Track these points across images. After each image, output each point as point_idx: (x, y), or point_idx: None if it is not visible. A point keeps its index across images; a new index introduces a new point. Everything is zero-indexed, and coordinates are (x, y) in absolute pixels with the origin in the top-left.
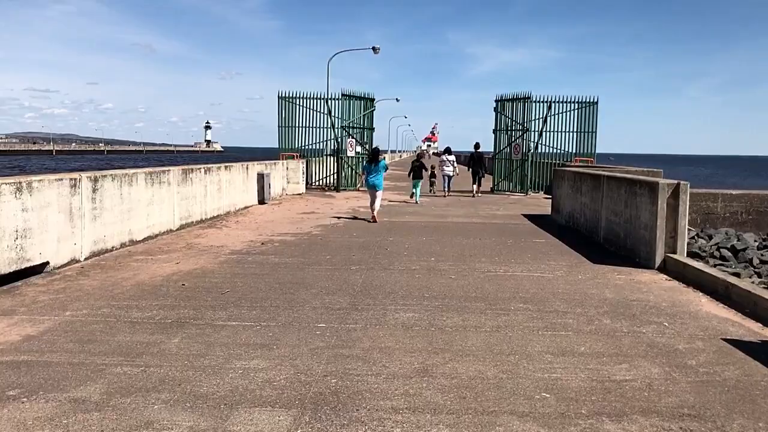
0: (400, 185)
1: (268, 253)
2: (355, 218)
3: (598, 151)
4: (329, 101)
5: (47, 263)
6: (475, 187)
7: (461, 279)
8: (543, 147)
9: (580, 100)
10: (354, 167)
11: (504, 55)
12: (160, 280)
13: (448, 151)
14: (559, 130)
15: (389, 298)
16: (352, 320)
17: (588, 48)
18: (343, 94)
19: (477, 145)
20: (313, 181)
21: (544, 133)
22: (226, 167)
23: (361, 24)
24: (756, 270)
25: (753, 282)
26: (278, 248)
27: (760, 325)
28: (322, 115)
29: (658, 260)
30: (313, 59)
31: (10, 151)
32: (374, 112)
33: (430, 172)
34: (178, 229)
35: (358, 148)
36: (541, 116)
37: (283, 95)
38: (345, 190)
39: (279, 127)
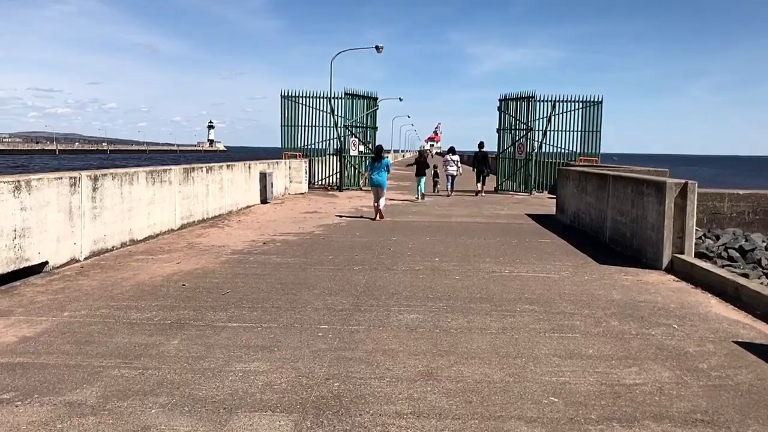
0: (403, 185)
1: (270, 253)
2: (358, 218)
3: (601, 151)
4: (332, 100)
5: (46, 263)
6: (479, 186)
7: (466, 279)
8: (547, 146)
9: (584, 100)
10: (357, 166)
11: (506, 54)
12: (160, 281)
13: (451, 150)
14: (563, 129)
15: (393, 299)
16: (355, 321)
17: (589, 48)
18: (346, 93)
19: (481, 144)
20: (316, 180)
21: (548, 133)
22: (228, 166)
23: (363, 24)
24: (765, 271)
25: (762, 283)
26: (280, 248)
27: None
28: (325, 114)
29: (666, 261)
30: (315, 59)
31: (14, 151)
32: (377, 111)
33: (433, 172)
34: (179, 229)
35: (361, 148)
36: (545, 115)
37: (286, 94)
38: (348, 189)
39: (282, 126)
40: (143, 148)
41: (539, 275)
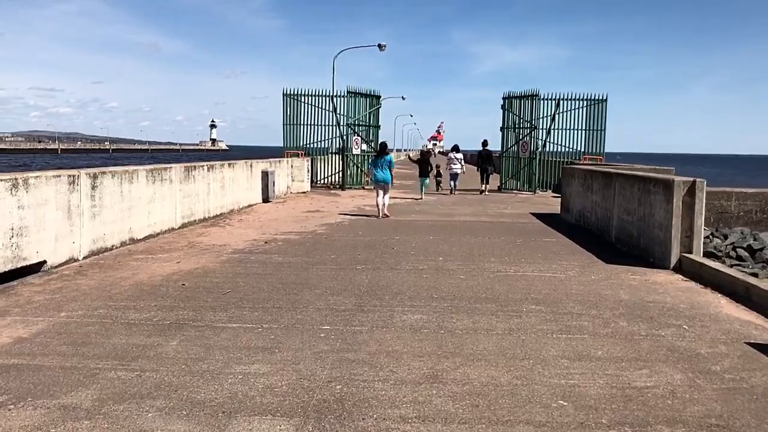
0: (406, 183)
1: (272, 252)
2: (360, 217)
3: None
4: (335, 98)
5: (44, 262)
6: (482, 185)
7: (470, 279)
8: (551, 145)
9: (588, 98)
10: (359, 165)
11: (508, 53)
12: (159, 280)
13: (455, 148)
14: (568, 128)
15: (396, 299)
16: (358, 322)
17: (591, 46)
18: (348, 92)
19: (485, 143)
20: (318, 179)
21: (552, 131)
22: (229, 165)
23: (365, 23)
24: None
25: None
26: (282, 247)
27: None
28: (327, 112)
29: (674, 260)
30: (316, 58)
31: (16, 150)
32: (380, 109)
33: (435, 171)
34: (180, 228)
35: (364, 146)
36: (549, 114)
37: (288, 92)
38: (350, 188)
39: (284, 124)
40: (145, 147)
41: (545, 275)
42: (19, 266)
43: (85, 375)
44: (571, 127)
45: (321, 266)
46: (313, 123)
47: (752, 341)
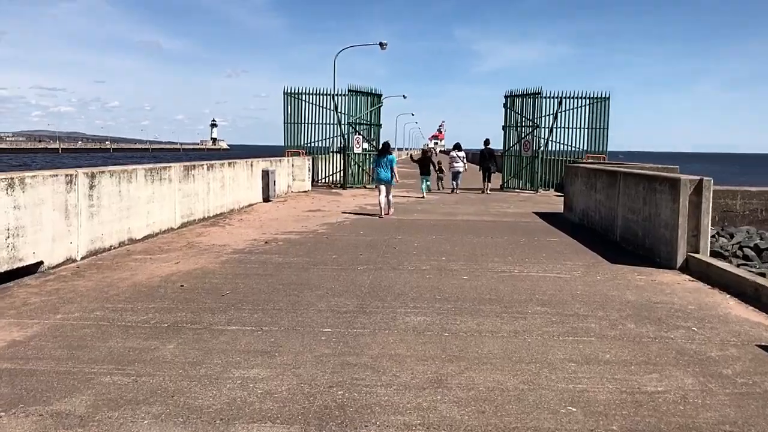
0: (408, 182)
1: (272, 252)
2: (362, 216)
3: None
4: (335, 97)
5: (41, 263)
6: (485, 184)
7: (474, 280)
8: (553, 144)
9: (591, 96)
10: (361, 164)
11: (510, 51)
12: (158, 281)
13: (457, 147)
14: (570, 126)
15: (399, 301)
16: (360, 324)
17: (592, 45)
18: (349, 90)
19: (487, 142)
20: (319, 178)
21: (554, 130)
22: (229, 164)
23: (367, 21)
24: None
25: None
26: (282, 247)
27: None
28: (328, 111)
29: (680, 260)
30: (318, 57)
31: (17, 150)
32: (381, 108)
33: (438, 168)
34: (179, 228)
35: (365, 145)
36: (551, 112)
37: (289, 91)
38: (352, 187)
39: (284, 123)
40: (146, 146)
41: (549, 275)
42: (15, 267)
43: (80, 380)
44: (574, 126)
45: (322, 266)
46: (314, 122)
47: (763, 343)
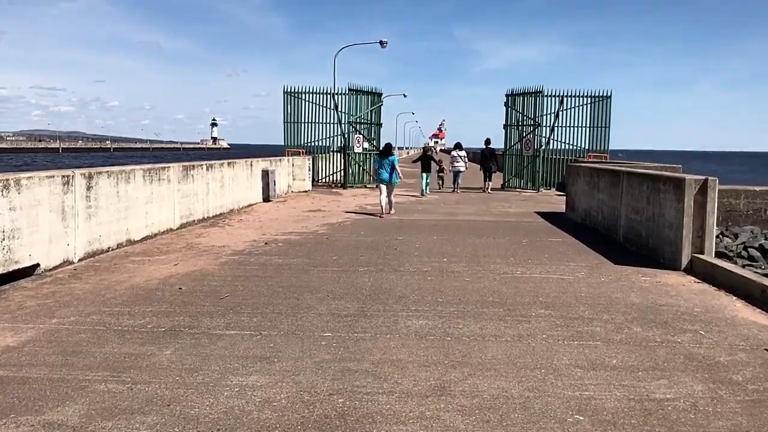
0: (408, 182)
1: (272, 253)
2: (362, 216)
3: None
4: (336, 96)
5: (37, 265)
6: (486, 183)
7: (476, 282)
8: (554, 142)
9: (592, 94)
10: (361, 164)
11: (510, 51)
12: (155, 284)
13: (458, 146)
14: (572, 125)
15: (400, 303)
16: (361, 328)
17: (594, 44)
18: (349, 89)
19: (488, 141)
20: (320, 178)
21: (555, 129)
22: (229, 164)
23: (367, 21)
24: None
25: None
26: (282, 248)
27: None
28: (328, 110)
29: (685, 261)
30: (319, 57)
31: (17, 149)
32: (381, 107)
33: (439, 167)
34: (178, 228)
35: (366, 144)
36: (552, 111)
37: (289, 90)
38: (352, 187)
39: (284, 123)
40: (147, 146)
41: (552, 276)
42: (11, 270)
43: (74, 388)
44: (575, 125)
45: (322, 268)
46: (314, 121)
47: None
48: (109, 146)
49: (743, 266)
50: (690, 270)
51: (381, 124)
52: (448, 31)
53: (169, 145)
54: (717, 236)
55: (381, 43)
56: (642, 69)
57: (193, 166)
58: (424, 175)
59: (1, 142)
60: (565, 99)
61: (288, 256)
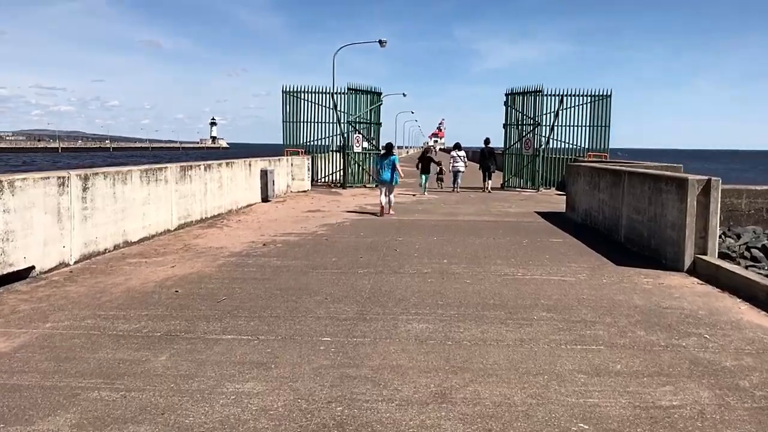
0: (408, 182)
1: (270, 255)
2: (362, 216)
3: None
4: (335, 95)
5: (32, 268)
6: (486, 183)
7: (477, 284)
8: (554, 142)
9: (592, 94)
10: (361, 163)
11: (510, 51)
12: (152, 286)
13: (457, 146)
14: (571, 124)
15: (400, 306)
16: (360, 333)
17: (594, 42)
18: (349, 89)
19: (487, 141)
20: (319, 177)
21: (555, 128)
22: (227, 164)
23: (367, 21)
24: None
25: None
26: (281, 250)
27: None
28: (327, 109)
29: (687, 262)
30: (318, 56)
31: (17, 149)
32: (381, 106)
33: (438, 168)
34: (176, 229)
35: (365, 144)
36: (552, 110)
37: (288, 89)
38: (352, 186)
39: (283, 122)
40: (146, 145)
41: (554, 278)
42: (5, 273)
43: (66, 396)
44: (575, 124)
45: (321, 270)
46: (313, 120)
47: None
48: (108, 146)
49: (746, 267)
50: (693, 271)
51: (380, 123)
52: (448, 31)
53: (168, 145)
54: (719, 237)
55: (380, 42)
56: (642, 66)
57: (191, 166)
58: (424, 176)
59: (1, 142)
60: (564, 98)
61: (286, 257)
